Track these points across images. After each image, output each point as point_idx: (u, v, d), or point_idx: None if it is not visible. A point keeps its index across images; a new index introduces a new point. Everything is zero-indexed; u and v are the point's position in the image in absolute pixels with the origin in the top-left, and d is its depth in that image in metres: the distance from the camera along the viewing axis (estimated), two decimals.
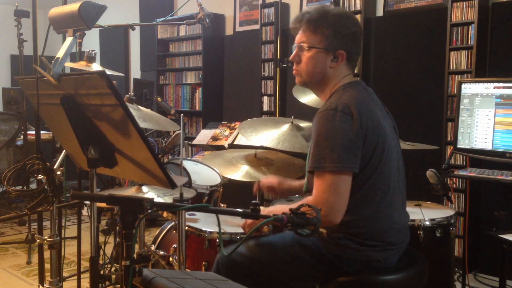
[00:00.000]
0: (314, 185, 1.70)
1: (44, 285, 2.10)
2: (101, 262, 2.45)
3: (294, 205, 1.29)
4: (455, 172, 2.71)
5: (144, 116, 2.34)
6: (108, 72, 2.66)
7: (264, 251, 1.85)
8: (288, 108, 4.70)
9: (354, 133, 1.66)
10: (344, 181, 1.66)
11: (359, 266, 1.76)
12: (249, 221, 1.97)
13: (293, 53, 1.86)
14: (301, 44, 1.83)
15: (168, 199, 2.10)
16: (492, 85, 2.76)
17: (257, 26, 5.12)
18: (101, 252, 2.15)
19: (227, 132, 4.28)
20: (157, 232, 2.50)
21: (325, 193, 1.65)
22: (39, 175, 1.92)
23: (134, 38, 6.53)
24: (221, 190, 2.65)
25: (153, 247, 2.37)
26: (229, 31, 5.55)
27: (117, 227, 3.01)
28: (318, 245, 1.78)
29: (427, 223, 2.20)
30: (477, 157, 2.87)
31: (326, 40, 1.79)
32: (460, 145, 2.84)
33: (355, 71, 4.06)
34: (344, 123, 1.66)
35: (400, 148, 1.92)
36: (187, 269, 2.10)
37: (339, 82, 1.83)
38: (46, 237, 2.09)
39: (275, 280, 1.83)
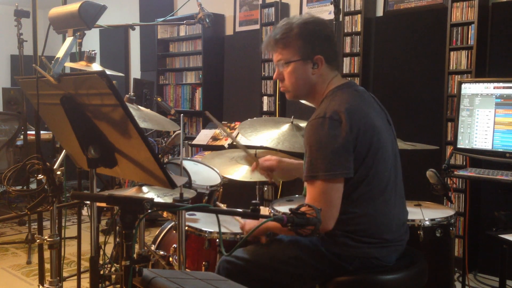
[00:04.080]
0: (307, 192, 1.73)
1: (44, 285, 2.10)
2: (101, 262, 2.46)
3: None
4: (455, 172, 2.71)
5: (144, 116, 2.34)
6: (108, 72, 2.66)
7: (263, 254, 1.85)
8: (288, 108, 4.70)
9: (344, 137, 1.68)
10: (336, 189, 1.69)
11: (358, 264, 1.76)
12: (248, 225, 1.98)
13: (275, 72, 1.89)
14: (279, 62, 1.85)
15: (168, 199, 2.10)
16: (492, 85, 2.75)
17: (257, 26, 5.12)
18: (101, 252, 2.16)
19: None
20: (157, 232, 2.50)
21: (316, 201, 1.67)
22: (39, 175, 1.92)
23: (134, 38, 6.53)
24: (221, 190, 2.65)
25: (153, 247, 2.37)
26: (229, 31, 5.55)
27: (117, 227, 3.00)
28: (317, 244, 1.79)
29: (427, 223, 2.20)
30: (477, 157, 2.87)
31: (300, 50, 1.80)
32: (460, 145, 2.84)
33: (355, 71, 4.14)
34: (333, 130, 1.68)
35: (397, 142, 1.92)
36: (187, 269, 2.10)
37: (328, 86, 1.84)
38: (46, 237, 2.09)
39: (275, 282, 1.83)
